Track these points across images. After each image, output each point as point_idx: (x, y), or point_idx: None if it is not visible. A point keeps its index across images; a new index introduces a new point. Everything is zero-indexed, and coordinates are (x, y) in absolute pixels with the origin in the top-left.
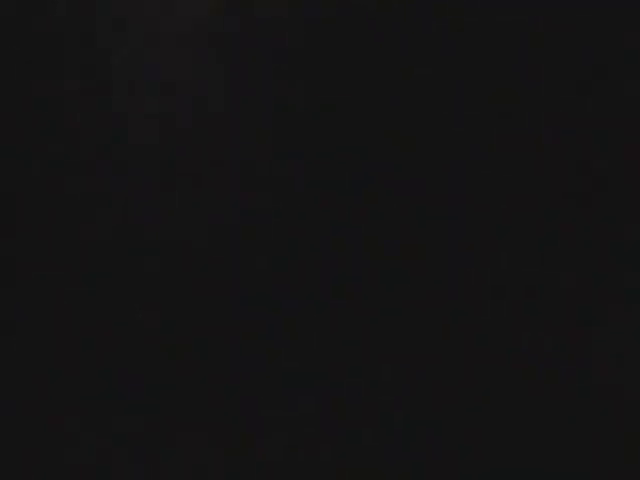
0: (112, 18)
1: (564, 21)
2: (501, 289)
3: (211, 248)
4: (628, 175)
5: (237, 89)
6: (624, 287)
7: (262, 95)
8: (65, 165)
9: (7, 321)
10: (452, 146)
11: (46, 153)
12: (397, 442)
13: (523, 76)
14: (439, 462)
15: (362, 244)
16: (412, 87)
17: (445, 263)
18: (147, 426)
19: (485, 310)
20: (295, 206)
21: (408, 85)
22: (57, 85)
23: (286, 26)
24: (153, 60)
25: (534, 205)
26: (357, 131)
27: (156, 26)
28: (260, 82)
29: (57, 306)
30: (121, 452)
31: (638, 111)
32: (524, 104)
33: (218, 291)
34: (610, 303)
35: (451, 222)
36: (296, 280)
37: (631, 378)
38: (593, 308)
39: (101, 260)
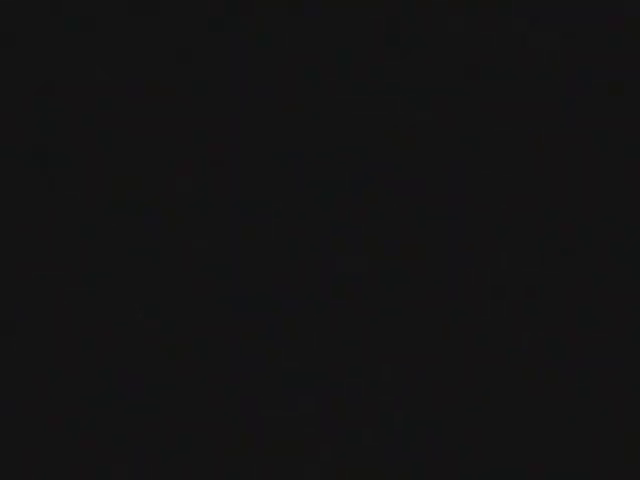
0: None
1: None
2: (501, 289)
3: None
4: (628, 175)
5: None
6: (624, 287)
7: None
8: (64, 164)
9: (7, 321)
10: (452, 146)
11: (46, 153)
12: (397, 442)
13: (523, 75)
14: (439, 462)
15: (362, 244)
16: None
17: (445, 263)
18: (147, 426)
19: (485, 310)
20: (296, 205)
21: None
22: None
23: None
24: None
25: (534, 205)
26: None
27: None
28: None
29: (57, 306)
30: (121, 452)
31: (638, 111)
32: (524, 102)
33: (218, 291)
34: (610, 303)
35: (451, 222)
36: (296, 280)
37: (631, 378)
38: (593, 308)
39: (101, 260)
